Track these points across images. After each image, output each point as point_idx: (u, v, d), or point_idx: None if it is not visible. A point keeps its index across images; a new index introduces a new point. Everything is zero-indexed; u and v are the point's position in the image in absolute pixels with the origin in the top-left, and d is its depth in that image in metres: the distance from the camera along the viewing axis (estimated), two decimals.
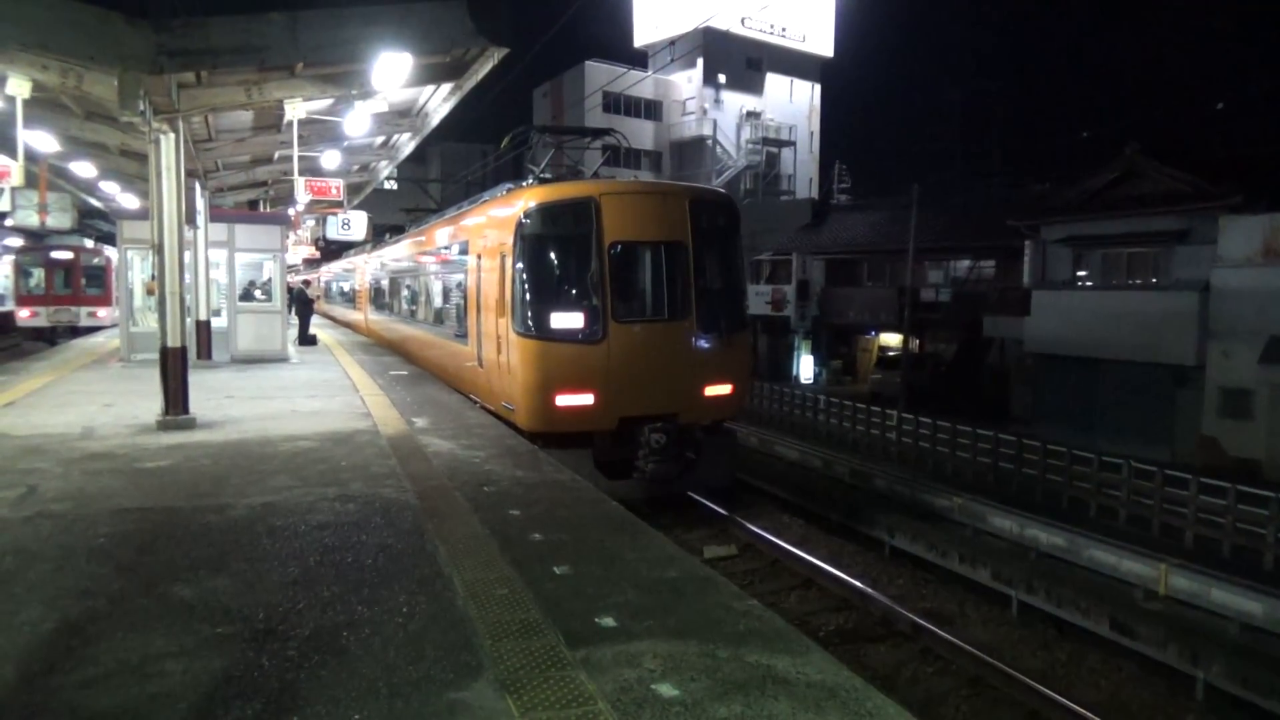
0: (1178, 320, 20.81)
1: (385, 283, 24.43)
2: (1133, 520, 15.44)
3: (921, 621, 10.85)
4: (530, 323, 10.92)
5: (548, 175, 13.37)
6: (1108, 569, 12.82)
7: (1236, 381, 19.53)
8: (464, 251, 13.93)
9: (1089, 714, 8.88)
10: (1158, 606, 11.75)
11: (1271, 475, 17.20)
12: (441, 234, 16.44)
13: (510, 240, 11.19)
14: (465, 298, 13.72)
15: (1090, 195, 24.16)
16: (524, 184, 12.81)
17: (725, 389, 11.74)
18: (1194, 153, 24.39)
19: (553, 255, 11.29)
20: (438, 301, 16.81)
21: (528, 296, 11.00)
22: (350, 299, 34.38)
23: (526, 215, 11.12)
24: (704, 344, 11.44)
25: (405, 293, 20.92)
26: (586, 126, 24.22)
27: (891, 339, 33.40)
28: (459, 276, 14.45)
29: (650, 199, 11.82)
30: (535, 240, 11.12)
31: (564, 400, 10.82)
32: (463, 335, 13.88)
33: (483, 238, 12.73)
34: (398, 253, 22.20)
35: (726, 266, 12.05)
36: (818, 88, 56.06)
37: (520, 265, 11.05)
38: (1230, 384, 19.73)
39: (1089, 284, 24.53)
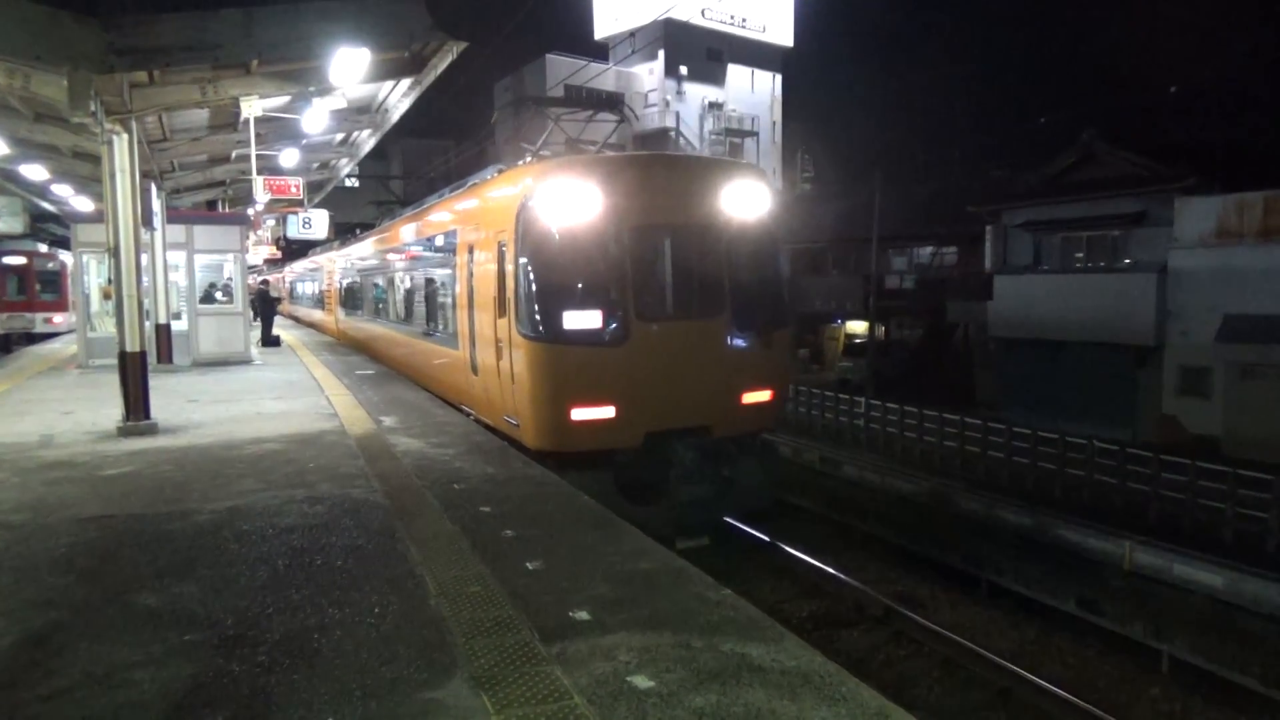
0: (1137, 301, 21.17)
1: (359, 282, 22.27)
2: (1097, 498, 15.72)
3: (893, 605, 10.98)
4: (539, 323, 9.20)
5: (546, 154, 11.81)
6: (1073, 547, 13.06)
7: (1194, 360, 19.93)
8: (451, 242, 12.31)
9: (1058, 690, 9.04)
10: (1122, 583, 11.98)
11: (1230, 451, 17.57)
12: (425, 224, 14.71)
13: (511, 226, 9.54)
14: (454, 296, 12.07)
15: (1049, 180, 24.48)
16: (522, 163, 11.24)
17: (764, 395, 10.08)
18: (1150, 137, 24.79)
19: (564, 243, 9.36)
20: (420, 301, 15.09)
21: (535, 292, 9.27)
22: (319, 300, 31.90)
23: (531, 196, 9.37)
24: (741, 344, 9.86)
25: (382, 292, 18.96)
26: (588, 96, 22.59)
27: (858, 326, 33.68)
28: (445, 271, 12.79)
29: (677, 174, 10.17)
30: (542, 225, 9.31)
31: (580, 414, 9.17)
32: (452, 338, 12.21)
33: (475, 226, 11.18)
34: (374, 247, 20.13)
35: (764, 252, 10.35)
36: (779, 78, 56.27)
37: (525, 256, 9.35)
38: (1189, 363, 20.13)
39: (1049, 268, 24.86)
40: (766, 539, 12.81)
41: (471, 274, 11.04)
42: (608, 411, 9.22)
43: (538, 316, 9.22)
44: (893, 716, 3.43)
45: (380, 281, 19.28)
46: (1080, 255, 24.15)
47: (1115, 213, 22.68)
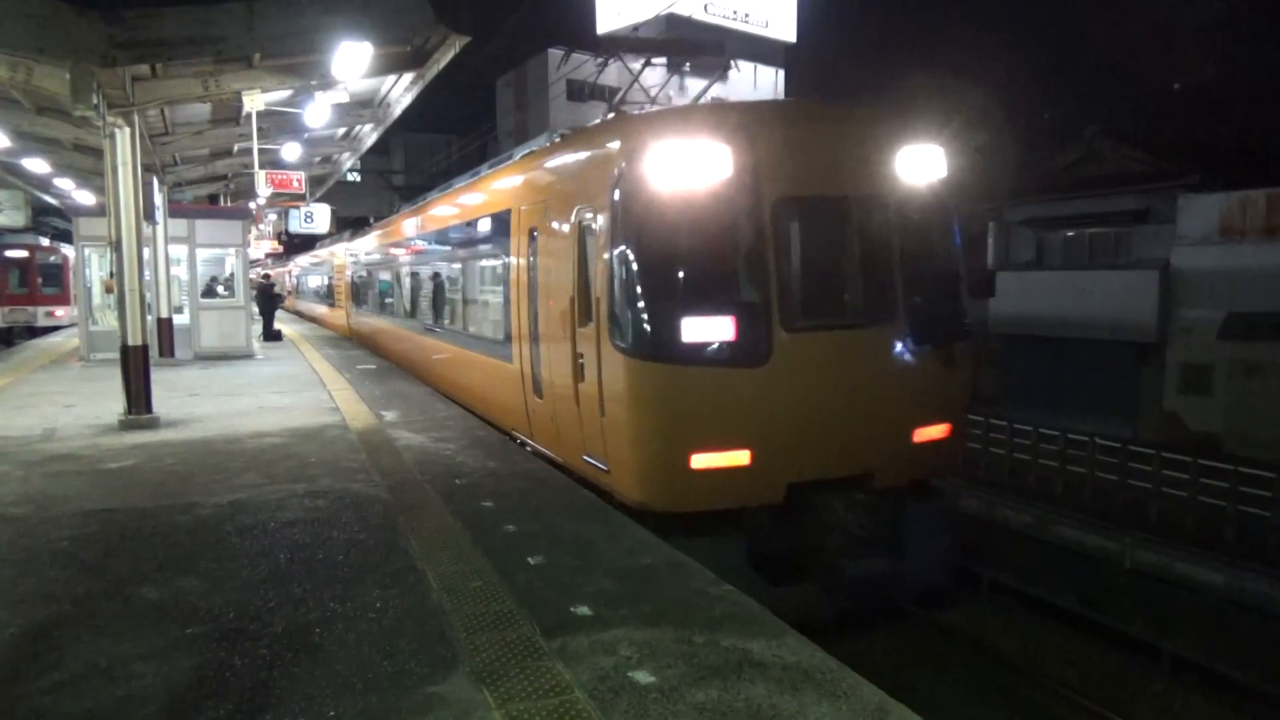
0: (1139, 299, 21.11)
1: (378, 275, 19.33)
2: (1098, 496, 15.70)
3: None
4: (647, 334, 6.67)
5: (625, 110, 9.21)
6: (1074, 545, 13.04)
7: (1196, 358, 19.88)
8: (503, 226, 9.73)
9: (1058, 688, 9.04)
10: (1123, 581, 11.97)
11: (1231, 448, 17.54)
12: (465, 205, 11.83)
13: (604, 201, 7.11)
14: (505, 293, 9.60)
15: (1051, 177, 24.42)
16: (603, 119, 8.88)
17: (941, 430, 7.47)
18: (1153, 133, 24.70)
19: (682, 222, 6.83)
20: (453, 298, 12.58)
21: (641, 291, 6.72)
22: (328, 295, 29.03)
23: (637, 159, 6.82)
24: (915, 361, 7.28)
25: (406, 287, 16.01)
26: (675, 41, 18.69)
27: None
28: (493, 261, 10.34)
29: (833, 129, 7.55)
30: (652, 198, 6.77)
31: (704, 460, 6.61)
32: (501, 348, 9.73)
33: (541, 203, 8.58)
34: (397, 236, 17.13)
35: (942, 238, 7.89)
36: (781, 73, 56.23)
37: (626, 241, 6.83)
38: (1190, 360, 20.08)
39: (1052, 265, 24.81)
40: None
41: (533, 265, 8.66)
42: (741, 457, 6.70)
43: (645, 325, 6.71)
44: (893, 713, 3.43)
45: (404, 274, 16.38)
46: (1083, 252, 24.10)
47: (1118, 209, 22.61)
